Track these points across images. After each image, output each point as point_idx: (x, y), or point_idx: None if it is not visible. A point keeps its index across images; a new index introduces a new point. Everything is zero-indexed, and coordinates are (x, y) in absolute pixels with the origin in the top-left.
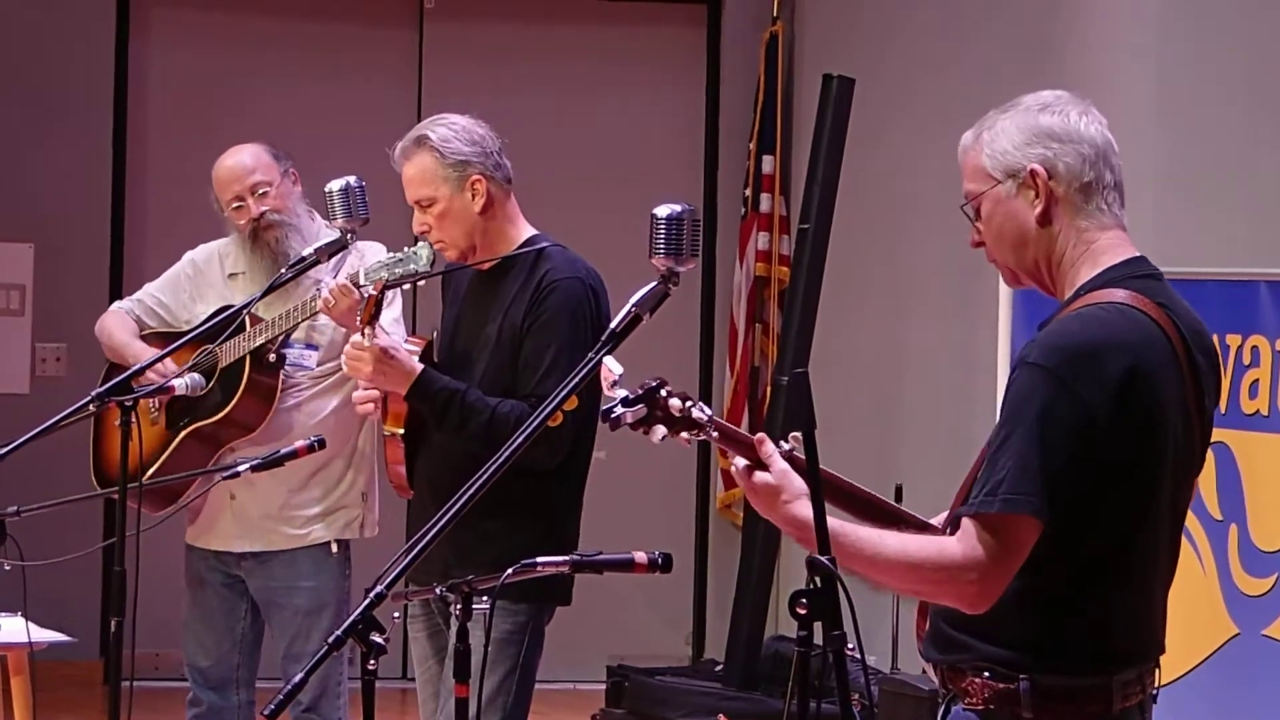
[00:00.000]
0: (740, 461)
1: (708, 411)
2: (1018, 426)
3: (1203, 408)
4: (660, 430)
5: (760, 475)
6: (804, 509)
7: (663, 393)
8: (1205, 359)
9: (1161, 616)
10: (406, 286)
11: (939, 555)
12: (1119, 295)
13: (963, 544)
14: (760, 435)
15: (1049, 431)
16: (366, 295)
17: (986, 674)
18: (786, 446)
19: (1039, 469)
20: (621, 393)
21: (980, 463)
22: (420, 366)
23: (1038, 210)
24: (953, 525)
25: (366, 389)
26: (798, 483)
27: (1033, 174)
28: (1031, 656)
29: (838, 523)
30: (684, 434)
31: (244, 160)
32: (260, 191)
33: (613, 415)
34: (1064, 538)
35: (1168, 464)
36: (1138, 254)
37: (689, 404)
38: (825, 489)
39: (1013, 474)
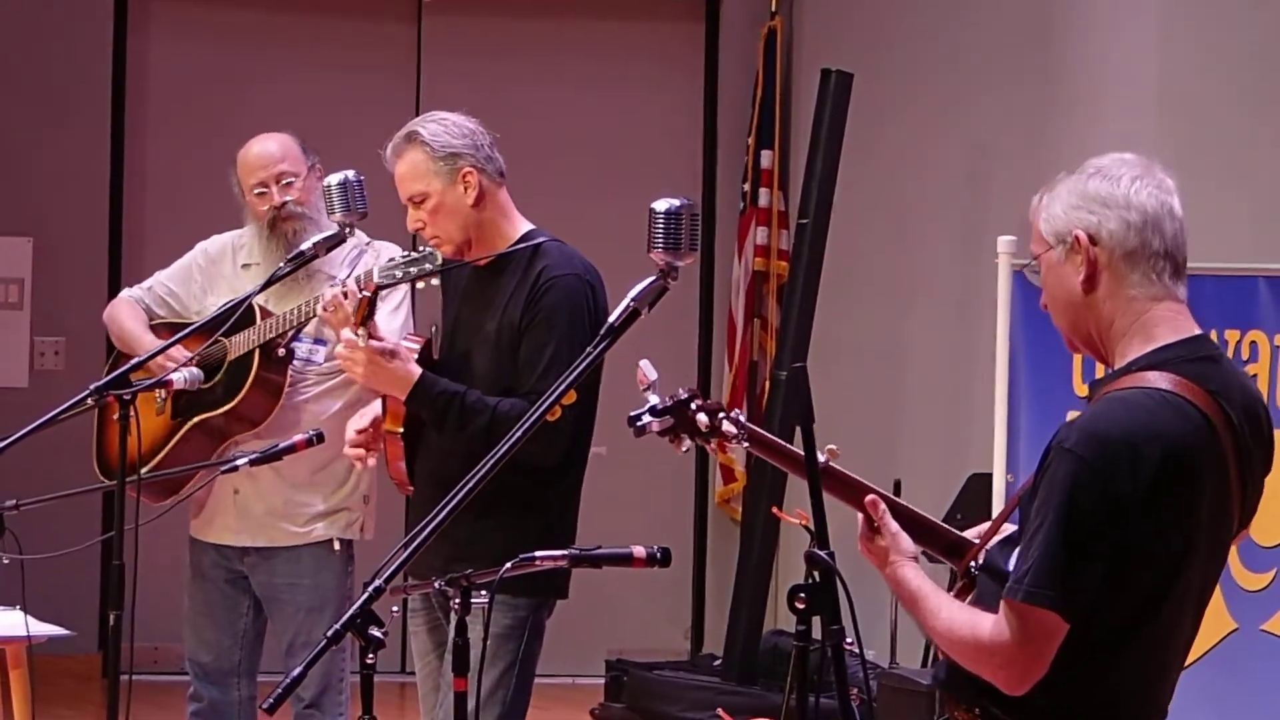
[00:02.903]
0: (860, 518)
1: (742, 422)
2: (1049, 515)
3: (1246, 495)
4: (687, 440)
5: (878, 539)
6: (906, 570)
7: (693, 406)
8: (1258, 443)
9: (1170, 687)
10: (420, 285)
11: (972, 636)
12: (1165, 381)
13: (994, 626)
14: (873, 498)
15: (1076, 525)
16: (360, 296)
17: (978, 710)
18: (823, 458)
19: (1063, 564)
20: (654, 399)
21: (1013, 506)
22: (418, 371)
23: (1082, 277)
24: (983, 567)
25: (358, 437)
26: (907, 544)
27: (1077, 239)
28: (1024, 711)
29: (919, 585)
30: (713, 443)
31: (272, 148)
32: (286, 181)
33: (639, 423)
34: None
35: (1198, 553)
36: (1197, 332)
37: (719, 417)
38: (901, 520)
39: (1037, 565)
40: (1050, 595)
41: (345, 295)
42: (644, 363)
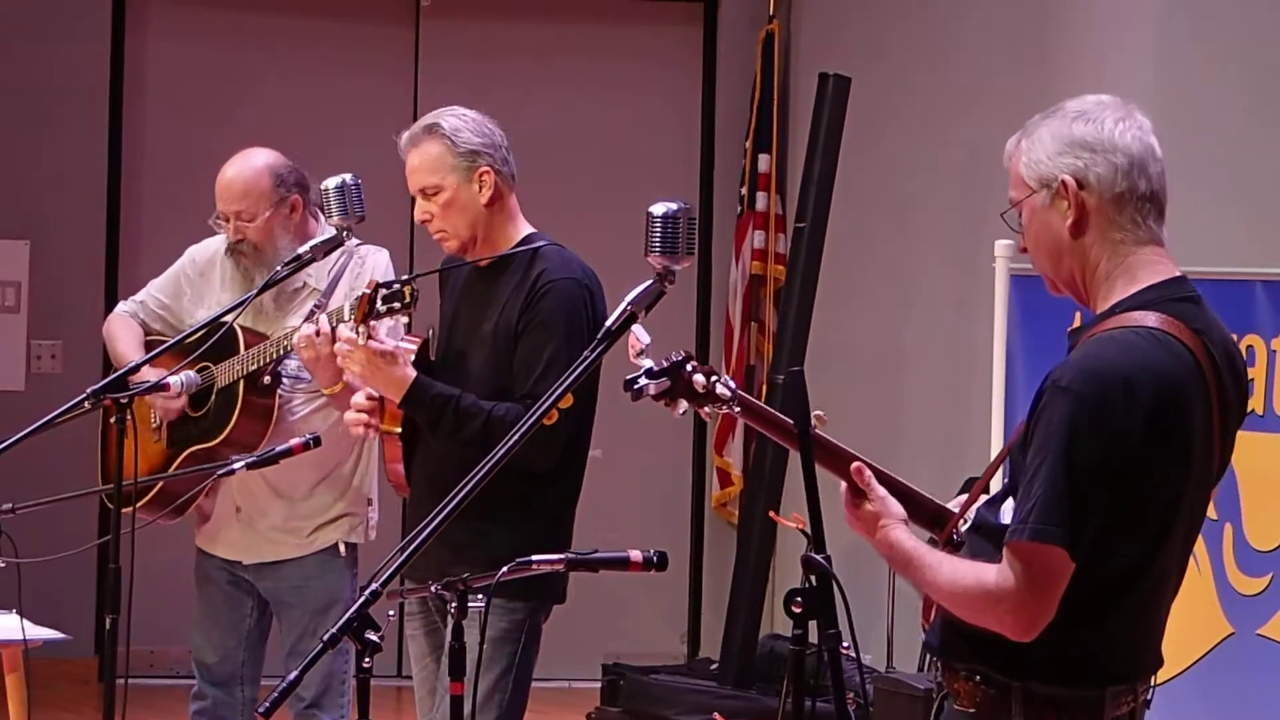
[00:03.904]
0: (844, 486)
1: (733, 388)
2: (1049, 453)
3: (1225, 435)
4: (683, 404)
5: (866, 505)
6: (899, 533)
7: (688, 368)
8: (1234, 383)
9: (1161, 633)
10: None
11: (977, 584)
12: (1152, 319)
13: (999, 573)
14: (858, 465)
15: (1078, 460)
16: (359, 294)
17: (978, 678)
18: (813, 422)
19: (1068, 500)
20: (647, 363)
21: (1003, 457)
22: (413, 374)
23: (1069, 221)
24: (973, 527)
25: (360, 406)
26: (895, 508)
27: (1064, 184)
28: (1025, 666)
29: (913, 545)
30: (707, 408)
31: (240, 181)
32: (242, 219)
33: (636, 386)
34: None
35: (1189, 493)
36: (1178, 274)
37: (714, 379)
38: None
39: (1041, 503)
40: (1057, 532)
41: (318, 334)
42: (637, 327)
